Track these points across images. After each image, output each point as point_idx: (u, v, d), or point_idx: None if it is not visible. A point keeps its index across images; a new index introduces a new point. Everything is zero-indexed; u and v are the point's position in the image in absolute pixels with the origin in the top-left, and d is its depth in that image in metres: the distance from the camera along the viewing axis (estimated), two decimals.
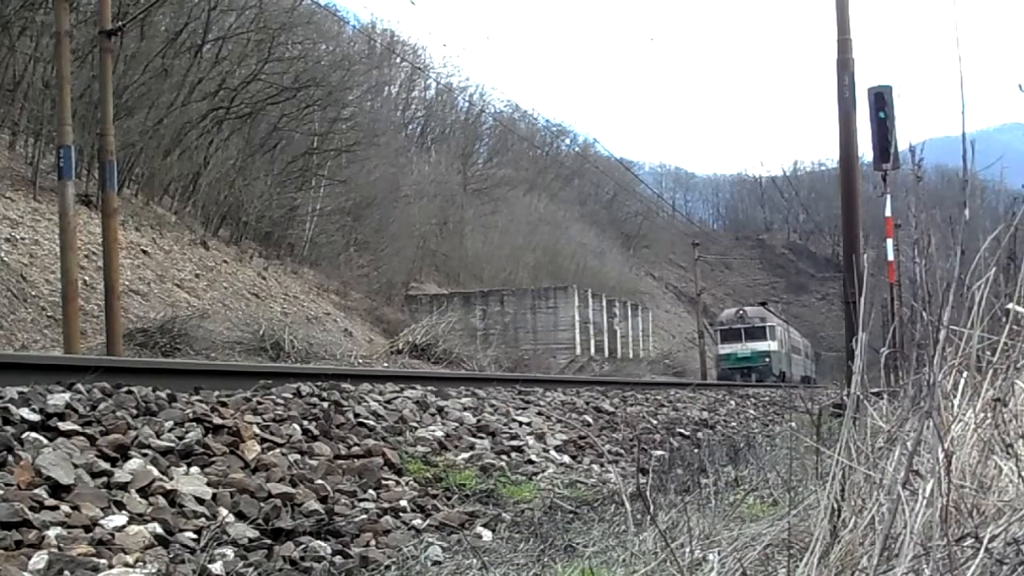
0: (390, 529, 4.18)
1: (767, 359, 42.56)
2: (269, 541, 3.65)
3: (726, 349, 43.68)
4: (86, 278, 18.18)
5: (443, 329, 28.21)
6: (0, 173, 21.49)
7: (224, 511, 3.79)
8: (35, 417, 4.05)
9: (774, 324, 44.54)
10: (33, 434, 3.88)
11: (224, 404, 5.22)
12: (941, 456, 2.08)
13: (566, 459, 6.73)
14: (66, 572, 2.91)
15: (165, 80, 25.18)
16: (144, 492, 3.72)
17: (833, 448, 2.38)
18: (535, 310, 37.98)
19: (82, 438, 4.01)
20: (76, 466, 3.67)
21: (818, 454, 2.83)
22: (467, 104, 48.21)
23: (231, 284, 25.41)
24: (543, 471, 6.07)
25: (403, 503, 4.61)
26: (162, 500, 3.71)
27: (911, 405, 2.56)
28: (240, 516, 3.83)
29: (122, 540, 3.28)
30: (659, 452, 7.28)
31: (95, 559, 3.07)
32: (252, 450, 4.55)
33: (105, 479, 3.71)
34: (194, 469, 4.15)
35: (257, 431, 4.87)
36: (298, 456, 4.81)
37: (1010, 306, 2.77)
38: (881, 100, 12.31)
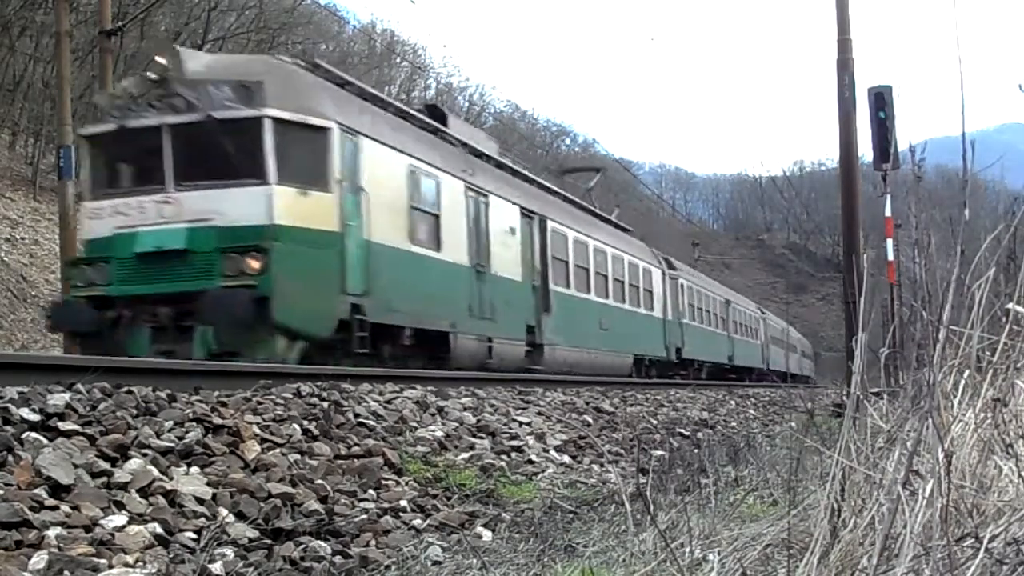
0: (390, 529, 4.18)
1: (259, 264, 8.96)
2: (269, 541, 3.65)
3: (101, 224, 9.74)
4: None
5: None
6: (0, 173, 21.49)
7: (224, 511, 3.79)
8: (35, 417, 4.05)
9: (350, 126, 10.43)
10: (33, 434, 3.87)
11: (224, 404, 5.21)
12: (941, 456, 2.08)
13: (566, 459, 6.73)
14: (66, 572, 2.90)
15: None
16: (144, 492, 3.72)
17: (833, 448, 2.38)
18: None
19: (82, 438, 4.01)
20: (76, 466, 3.67)
21: (804, 454, 2.83)
22: (467, 104, 48.22)
23: None
24: (543, 471, 6.07)
25: (403, 503, 4.61)
26: (162, 500, 3.70)
27: (911, 405, 2.56)
28: (240, 516, 3.83)
29: (122, 540, 3.28)
30: (659, 452, 7.28)
31: (95, 559, 3.07)
32: (252, 450, 4.55)
33: (105, 479, 3.71)
34: (194, 469, 4.15)
35: (257, 431, 4.86)
36: (298, 456, 4.81)
37: (1010, 306, 2.77)
38: (881, 100, 12.31)
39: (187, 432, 4.48)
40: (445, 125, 14.01)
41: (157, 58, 10.14)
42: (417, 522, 4.39)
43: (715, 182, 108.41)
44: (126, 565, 3.12)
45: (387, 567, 3.57)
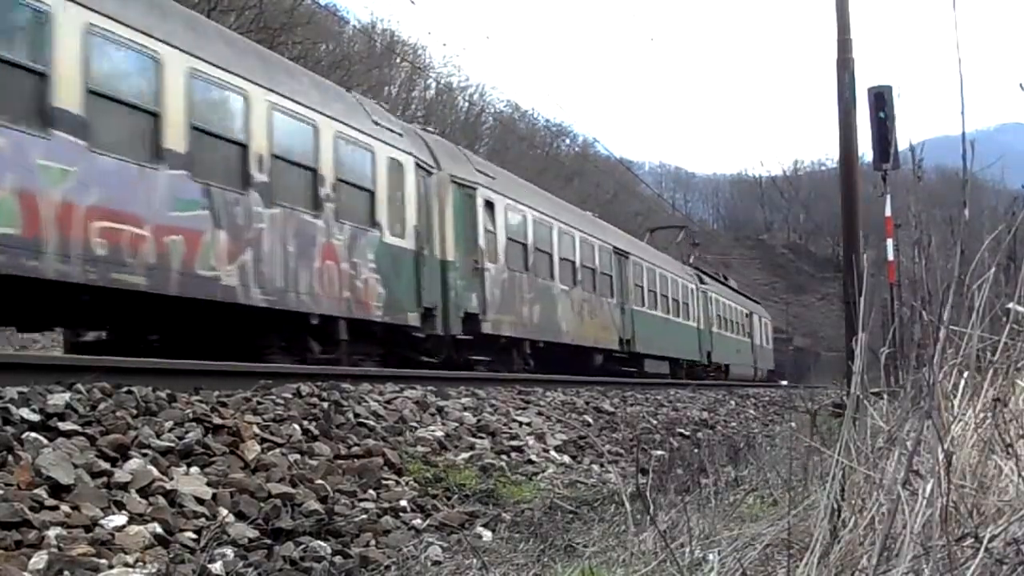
0: (390, 529, 4.19)
1: None
2: (269, 541, 3.65)
3: None
4: None
5: None
6: None
7: (224, 511, 3.79)
8: (35, 417, 4.05)
9: None
10: (33, 434, 3.88)
11: (224, 404, 5.22)
12: (941, 456, 2.08)
13: (566, 459, 6.73)
14: (66, 572, 2.90)
15: None
16: (144, 492, 3.72)
17: (833, 448, 2.38)
18: None
19: (82, 438, 4.01)
20: (76, 466, 3.67)
21: (813, 454, 2.83)
22: (467, 104, 48.12)
23: None
24: (543, 471, 6.07)
25: (403, 503, 4.61)
26: (162, 500, 3.71)
27: (911, 405, 2.56)
28: (240, 516, 3.83)
29: (122, 540, 3.28)
30: (659, 452, 7.28)
31: (95, 559, 3.07)
32: (252, 450, 4.55)
33: (105, 479, 3.71)
34: (194, 469, 4.15)
35: (257, 431, 4.87)
36: (298, 456, 4.81)
37: (1010, 306, 2.77)
38: (881, 100, 12.29)
39: (187, 432, 4.48)
40: None
41: None
42: (417, 522, 4.39)
43: (715, 182, 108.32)
44: (126, 565, 3.12)
45: (387, 567, 3.57)
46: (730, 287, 34.50)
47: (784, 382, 32.09)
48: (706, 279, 29.44)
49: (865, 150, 13.28)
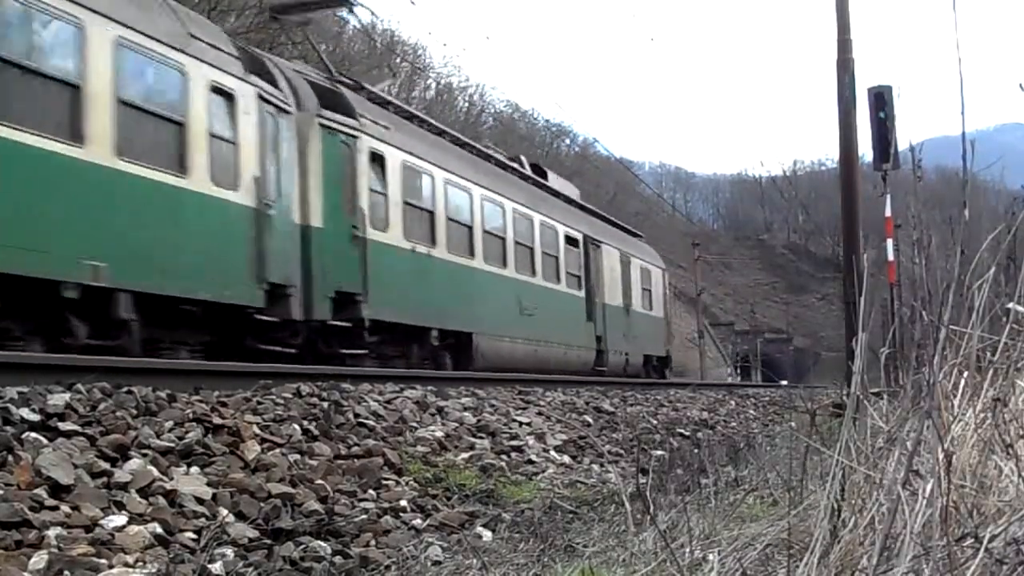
0: (390, 529, 4.19)
1: None
2: (269, 541, 3.65)
3: None
4: None
5: None
6: None
7: (224, 511, 3.79)
8: (35, 417, 4.06)
9: None
10: (33, 434, 3.88)
11: (224, 404, 5.22)
12: (941, 456, 2.08)
13: (566, 459, 6.73)
14: (66, 572, 2.90)
15: None
16: (144, 492, 3.72)
17: (833, 448, 2.38)
18: None
19: (82, 438, 4.01)
20: (76, 466, 3.67)
21: (813, 454, 2.83)
22: (467, 104, 48.16)
23: None
24: (543, 471, 6.07)
25: (403, 503, 4.61)
26: (162, 500, 3.71)
27: (911, 405, 2.56)
28: (240, 516, 3.83)
29: (122, 540, 3.28)
30: (659, 452, 7.28)
31: (95, 559, 3.07)
32: (252, 450, 4.55)
33: (105, 479, 3.71)
34: (194, 469, 4.15)
35: (257, 431, 4.87)
36: (298, 456, 4.81)
37: (1010, 306, 2.77)
38: (881, 100, 12.31)
39: (187, 432, 4.48)
40: None
41: None
42: (417, 522, 4.39)
43: (715, 182, 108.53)
44: (126, 565, 3.12)
45: (387, 567, 3.57)
46: (519, 172, 17.80)
47: (784, 382, 29.76)
48: (384, 113, 12.73)
49: (865, 150, 13.31)
